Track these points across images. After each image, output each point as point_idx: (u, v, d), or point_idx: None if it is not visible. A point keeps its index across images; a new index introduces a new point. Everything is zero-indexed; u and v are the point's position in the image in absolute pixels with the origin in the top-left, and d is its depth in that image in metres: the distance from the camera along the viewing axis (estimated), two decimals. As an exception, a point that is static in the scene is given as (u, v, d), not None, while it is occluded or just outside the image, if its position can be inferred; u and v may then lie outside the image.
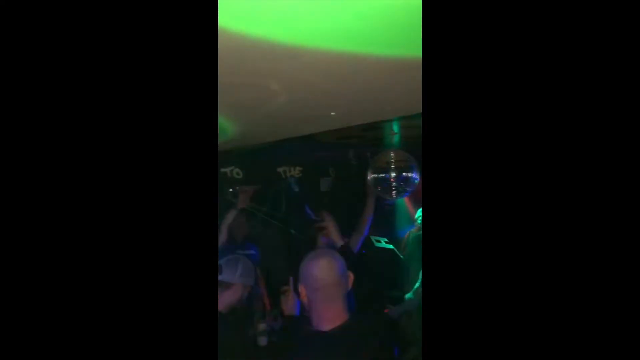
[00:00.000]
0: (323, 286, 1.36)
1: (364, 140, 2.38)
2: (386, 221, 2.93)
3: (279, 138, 1.59)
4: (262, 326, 2.32)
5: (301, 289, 1.36)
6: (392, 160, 2.46)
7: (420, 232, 2.87)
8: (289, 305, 1.96)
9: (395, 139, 2.54)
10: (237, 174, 2.76)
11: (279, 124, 1.36)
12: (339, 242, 2.09)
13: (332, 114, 1.22)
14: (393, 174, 2.47)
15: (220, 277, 1.92)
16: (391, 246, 2.87)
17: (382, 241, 2.84)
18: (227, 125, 1.39)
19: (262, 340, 2.21)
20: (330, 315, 1.36)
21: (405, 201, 3.25)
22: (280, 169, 2.86)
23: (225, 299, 1.61)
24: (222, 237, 2.60)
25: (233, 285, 1.73)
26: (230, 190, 2.84)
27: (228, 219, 2.59)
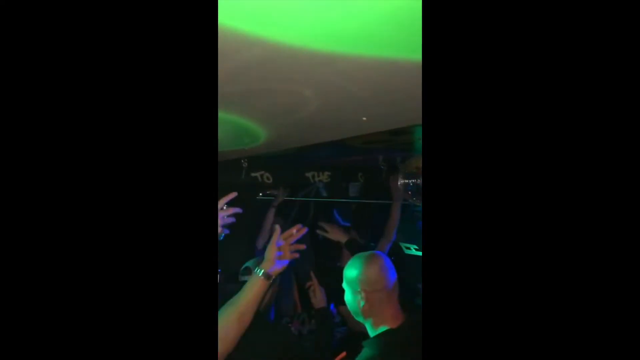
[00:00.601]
0: (384, 287, 1.41)
1: (392, 144, 2.36)
2: (416, 228, 2.88)
3: (310, 143, 1.61)
4: (290, 329, 2.34)
5: (365, 291, 1.40)
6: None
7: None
8: (318, 299, 2.00)
9: (426, 143, 2.50)
10: (267, 178, 2.80)
11: (310, 129, 1.38)
12: (344, 239, 2.13)
13: (364, 119, 1.22)
14: (424, 180, 2.43)
15: (247, 278, 1.96)
16: (421, 253, 2.82)
17: (412, 248, 2.79)
18: (260, 131, 1.42)
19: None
20: (392, 315, 1.40)
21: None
22: (308, 174, 2.88)
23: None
24: (264, 238, 2.66)
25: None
26: (261, 194, 2.88)
27: (269, 219, 2.67)
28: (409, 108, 1.11)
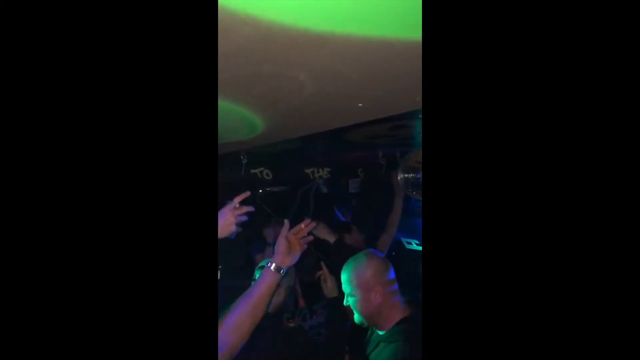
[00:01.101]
0: (392, 277, 1.44)
1: (393, 139, 2.35)
2: (417, 223, 2.87)
3: (310, 132, 1.60)
4: (291, 325, 2.33)
5: (378, 287, 1.42)
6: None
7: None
8: (330, 288, 2.02)
9: (426, 137, 2.49)
10: (267, 175, 2.79)
11: (307, 116, 1.37)
12: (332, 239, 2.14)
13: (360, 105, 1.20)
14: (424, 174, 2.42)
15: None
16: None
17: (413, 243, 2.78)
18: (258, 120, 1.41)
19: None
20: (400, 308, 1.42)
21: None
22: (308, 170, 2.87)
23: (274, 301, 1.69)
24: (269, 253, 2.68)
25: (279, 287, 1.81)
26: (260, 191, 2.88)
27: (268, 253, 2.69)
28: (408, 92, 1.10)
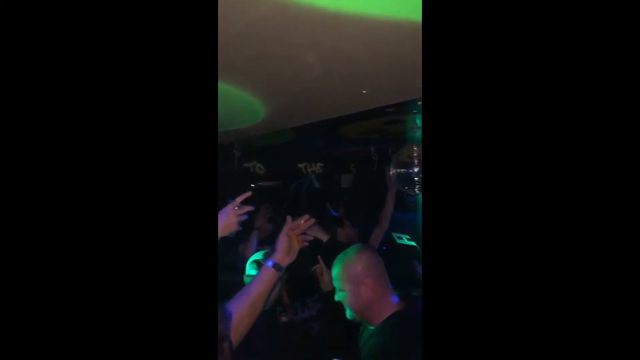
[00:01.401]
0: (383, 271, 1.44)
1: (386, 134, 2.37)
2: (408, 217, 2.90)
3: (310, 121, 1.60)
4: (283, 319, 2.32)
5: (368, 281, 1.41)
6: (416, 155, 2.44)
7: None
8: (326, 282, 2.00)
9: (419, 133, 2.52)
10: (260, 169, 2.78)
11: (311, 102, 1.37)
12: (325, 237, 2.13)
13: (364, 91, 1.21)
14: (416, 169, 2.45)
15: (256, 272, 1.98)
16: (413, 243, 2.83)
17: (403, 238, 2.80)
18: (259, 106, 1.41)
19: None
20: (391, 302, 1.42)
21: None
22: (301, 165, 2.87)
23: (270, 297, 1.67)
24: (254, 244, 2.65)
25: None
26: (252, 185, 2.86)
27: (252, 243, 2.66)
28: (412, 78, 1.11)
